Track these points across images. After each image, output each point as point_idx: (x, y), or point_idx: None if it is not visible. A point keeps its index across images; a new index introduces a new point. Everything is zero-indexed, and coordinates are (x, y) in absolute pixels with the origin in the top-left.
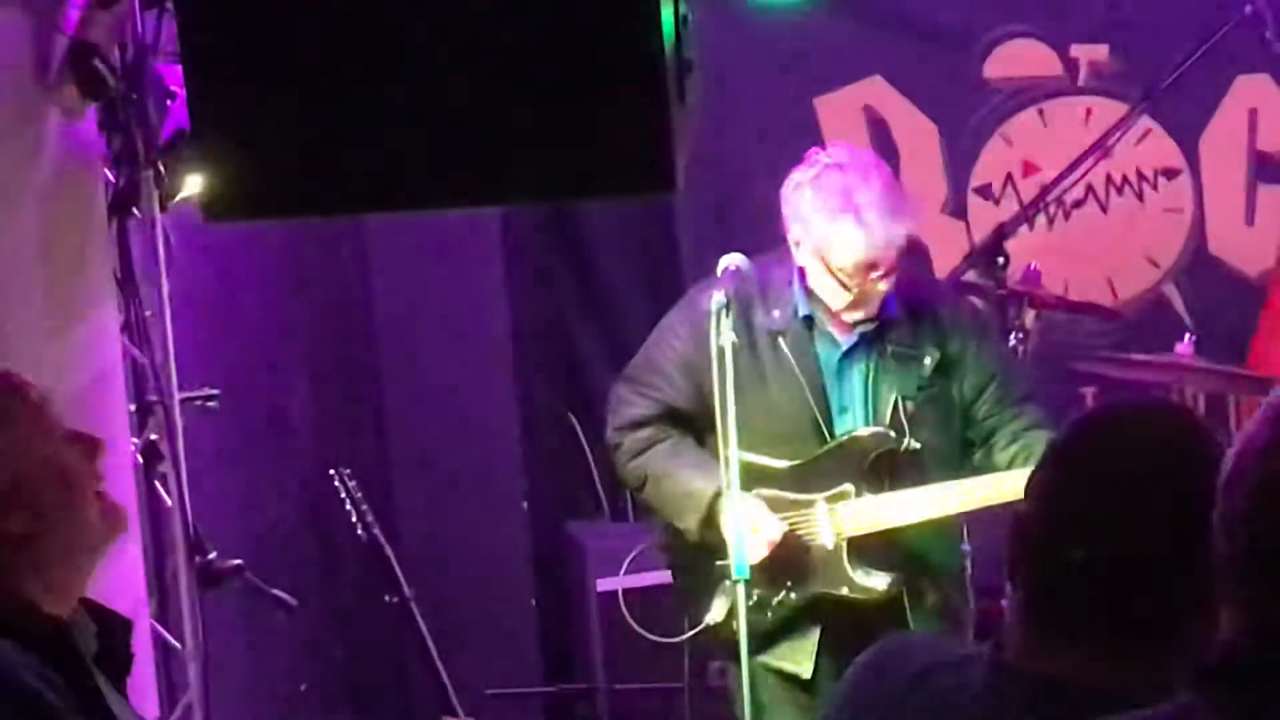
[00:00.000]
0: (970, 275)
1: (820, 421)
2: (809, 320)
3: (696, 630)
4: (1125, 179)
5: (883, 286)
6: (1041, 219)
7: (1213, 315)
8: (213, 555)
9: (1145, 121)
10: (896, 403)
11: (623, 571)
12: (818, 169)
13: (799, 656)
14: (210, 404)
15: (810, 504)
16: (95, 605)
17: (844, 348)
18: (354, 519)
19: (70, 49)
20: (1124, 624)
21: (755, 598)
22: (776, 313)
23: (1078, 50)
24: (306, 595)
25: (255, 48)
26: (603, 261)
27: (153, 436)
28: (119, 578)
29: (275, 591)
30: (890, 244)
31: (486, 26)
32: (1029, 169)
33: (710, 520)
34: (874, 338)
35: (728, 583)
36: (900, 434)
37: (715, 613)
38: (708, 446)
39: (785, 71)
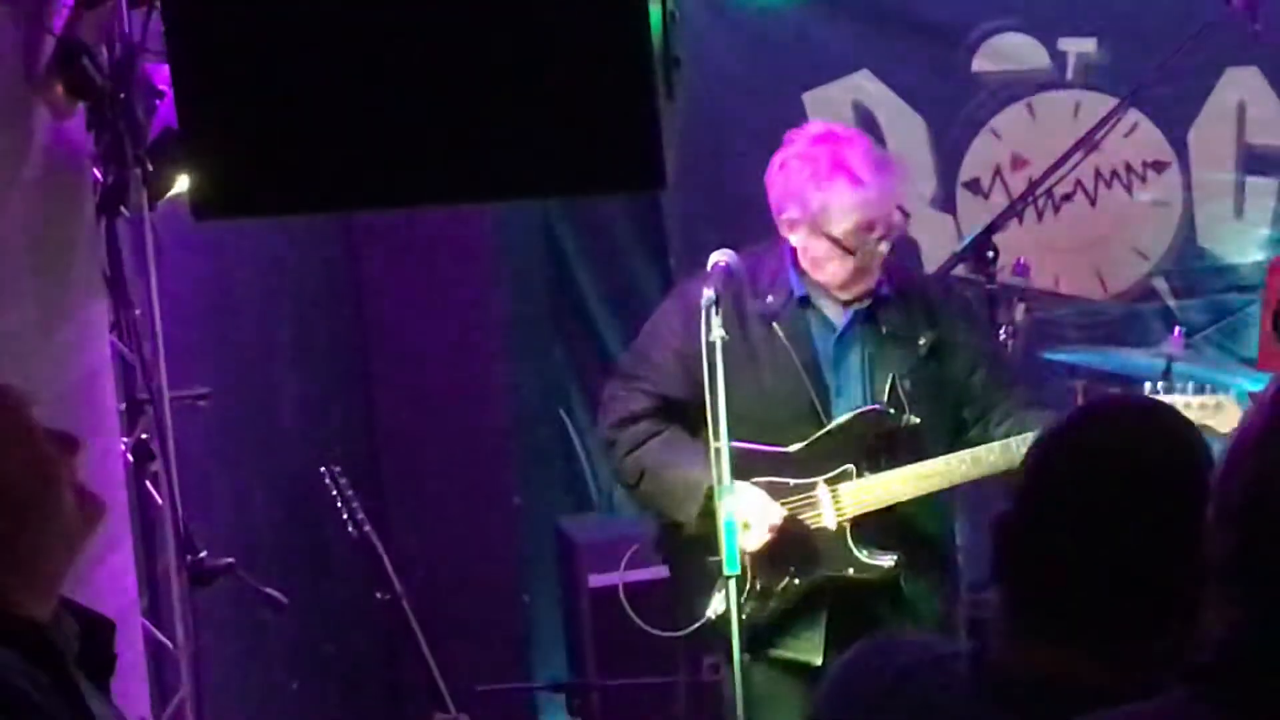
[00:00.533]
0: (960, 270)
1: (816, 404)
2: (804, 301)
3: (698, 625)
4: (1114, 172)
5: (882, 250)
6: (1031, 213)
7: (1202, 308)
8: (203, 554)
9: (1134, 115)
10: (894, 381)
11: (622, 567)
12: (800, 144)
13: (809, 645)
14: (200, 402)
15: (811, 487)
16: (78, 606)
17: (839, 330)
18: (345, 516)
19: (58, 48)
20: (1110, 623)
21: (759, 587)
22: (770, 298)
23: (1066, 44)
24: (297, 593)
25: (242, 46)
26: (593, 258)
27: (143, 435)
28: (110, 576)
29: (266, 590)
30: (885, 199)
31: (475, 23)
32: (1018, 163)
33: (709, 510)
34: (868, 318)
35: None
36: (899, 411)
37: (714, 607)
38: (701, 438)
39: (774, 66)
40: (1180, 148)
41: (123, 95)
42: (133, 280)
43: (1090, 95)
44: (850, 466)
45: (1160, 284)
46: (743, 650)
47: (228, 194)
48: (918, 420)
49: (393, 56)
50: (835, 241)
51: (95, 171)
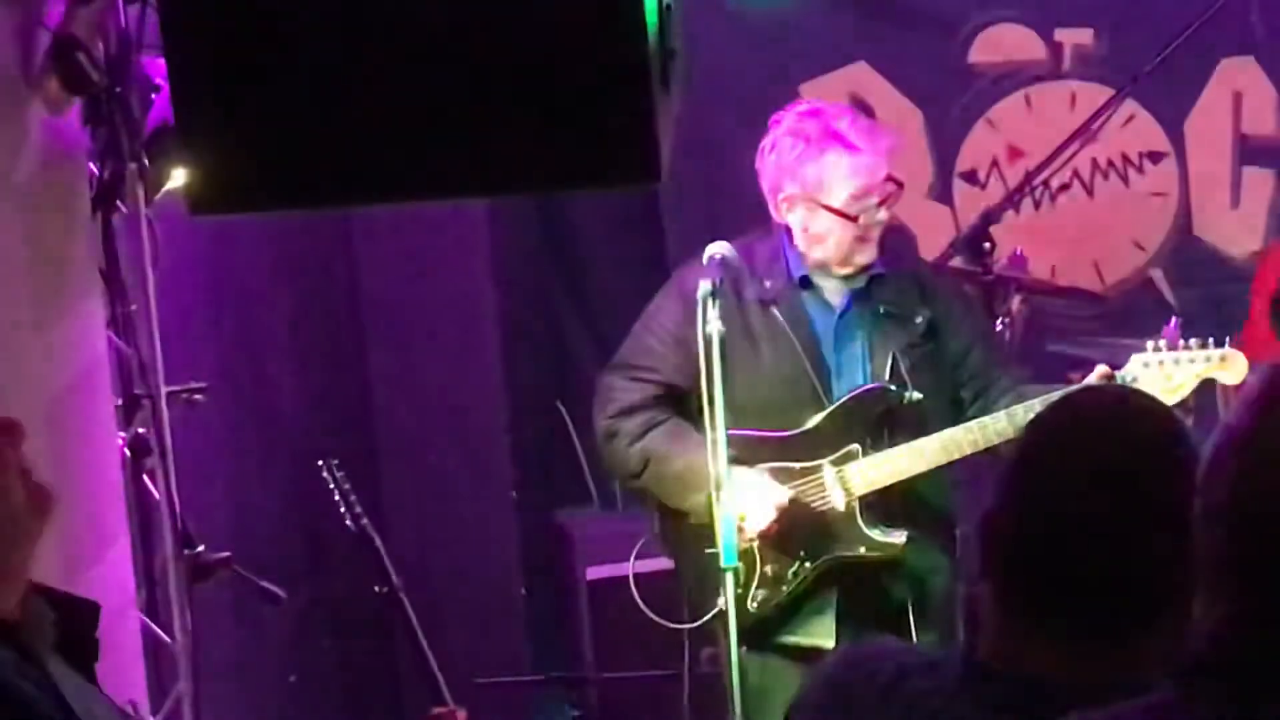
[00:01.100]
0: (956, 261)
1: (817, 385)
2: (804, 281)
3: (710, 615)
4: (1111, 163)
5: (882, 215)
6: (1027, 204)
7: (1198, 298)
8: (201, 548)
9: (1130, 105)
10: (894, 359)
11: (632, 559)
12: (787, 122)
13: (820, 629)
14: (197, 397)
15: (817, 469)
16: (55, 592)
17: (837, 309)
18: (343, 510)
19: (53, 44)
20: (1098, 619)
21: (770, 573)
22: (768, 283)
23: (1062, 35)
24: (295, 587)
25: (238, 40)
26: (589, 250)
27: (140, 430)
28: (108, 571)
29: (263, 584)
30: (880, 164)
31: (470, 17)
32: (1014, 154)
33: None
34: (865, 297)
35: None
36: (901, 388)
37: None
38: (702, 426)
39: (771, 58)
40: (1177, 138)
41: (118, 90)
42: (129, 276)
43: (1087, 86)
44: (855, 446)
45: (1157, 275)
46: (750, 641)
47: (224, 189)
48: (919, 396)
49: (388, 51)
50: (836, 212)
51: (91, 167)
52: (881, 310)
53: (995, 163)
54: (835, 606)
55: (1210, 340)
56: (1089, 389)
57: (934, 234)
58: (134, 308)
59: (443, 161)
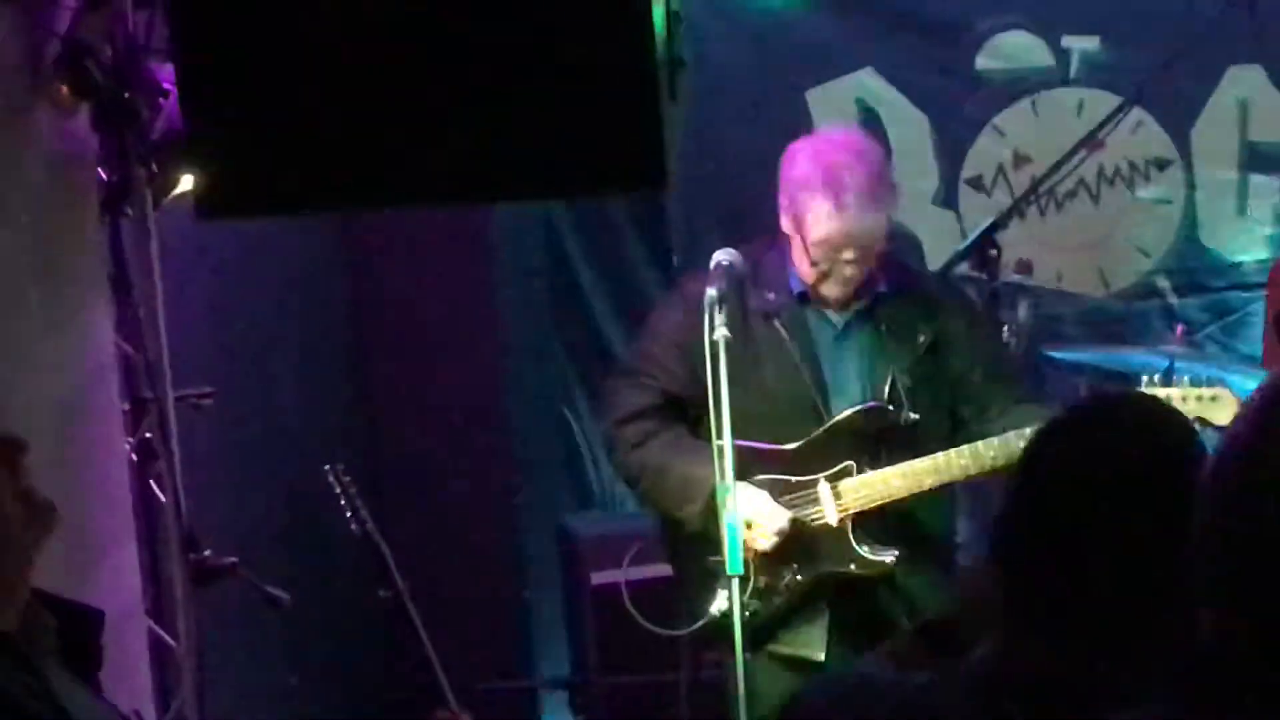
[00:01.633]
0: (962, 268)
1: (816, 401)
2: (803, 297)
3: (703, 622)
4: (1117, 170)
5: (849, 271)
6: (1034, 210)
7: (1204, 306)
8: (207, 552)
9: (1137, 113)
10: (893, 378)
11: (625, 565)
12: (815, 143)
13: (811, 641)
14: (204, 401)
15: (812, 485)
16: (58, 600)
17: (839, 326)
18: (348, 514)
19: (62, 49)
20: (1103, 621)
21: (761, 584)
22: (770, 295)
23: (1069, 41)
24: (300, 590)
25: (246, 45)
26: (595, 254)
27: (147, 434)
28: (114, 575)
29: (268, 588)
30: (864, 231)
31: (478, 25)
32: (1021, 161)
33: (711, 510)
34: (867, 315)
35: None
36: (899, 408)
37: (719, 604)
38: (702, 435)
39: (777, 63)
40: (1183, 146)
41: (127, 95)
42: (137, 280)
43: (1093, 93)
44: (850, 463)
45: (1162, 282)
46: (745, 648)
47: (232, 193)
48: (916, 417)
49: (396, 57)
50: (804, 248)
51: (100, 171)
52: (883, 328)
53: (1001, 169)
54: (827, 619)
55: (1205, 379)
56: (1098, 394)
57: (940, 240)
58: (141, 312)
59: (450, 167)
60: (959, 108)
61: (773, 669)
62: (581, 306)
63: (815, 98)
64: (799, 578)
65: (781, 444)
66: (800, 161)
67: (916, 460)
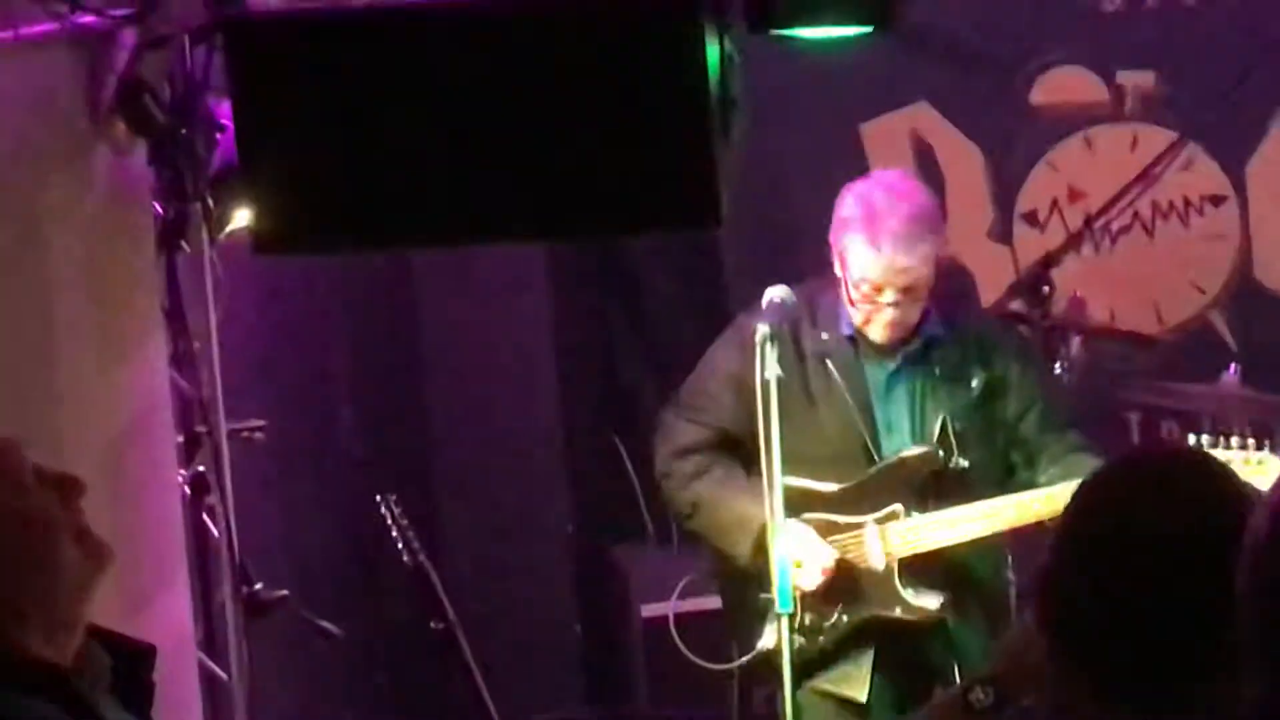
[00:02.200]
0: (1015, 305)
1: (868, 442)
2: (854, 339)
3: (749, 658)
4: (1171, 205)
5: (891, 313)
6: (1087, 246)
7: (1259, 343)
8: (259, 585)
9: (1192, 148)
10: (945, 422)
11: (674, 598)
12: (866, 184)
13: (854, 681)
14: (257, 434)
15: (859, 526)
16: (111, 635)
17: (891, 368)
18: (400, 545)
19: (120, 87)
20: (1148, 679)
21: (807, 622)
22: (825, 335)
23: (1124, 77)
24: (352, 622)
25: (302, 83)
26: (647, 286)
27: (200, 468)
28: (166, 609)
29: (319, 621)
30: (898, 271)
31: (534, 66)
32: (1075, 195)
33: (761, 547)
34: (920, 357)
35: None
36: (949, 453)
37: (766, 640)
38: (755, 472)
39: (831, 97)
40: (1238, 182)
41: (184, 131)
42: (191, 314)
43: (1148, 128)
44: (898, 506)
45: (1216, 318)
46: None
47: (287, 229)
48: (966, 463)
49: (453, 97)
50: (848, 285)
51: (156, 206)
52: (936, 371)
53: (1056, 204)
54: (871, 661)
55: (1250, 441)
56: (1146, 448)
57: (993, 275)
58: (196, 345)
59: (506, 205)
60: (1013, 143)
61: (821, 706)
62: (634, 338)
63: (869, 131)
64: (844, 618)
65: (831, 485)
66: (847, 202)
67: (964, 507)
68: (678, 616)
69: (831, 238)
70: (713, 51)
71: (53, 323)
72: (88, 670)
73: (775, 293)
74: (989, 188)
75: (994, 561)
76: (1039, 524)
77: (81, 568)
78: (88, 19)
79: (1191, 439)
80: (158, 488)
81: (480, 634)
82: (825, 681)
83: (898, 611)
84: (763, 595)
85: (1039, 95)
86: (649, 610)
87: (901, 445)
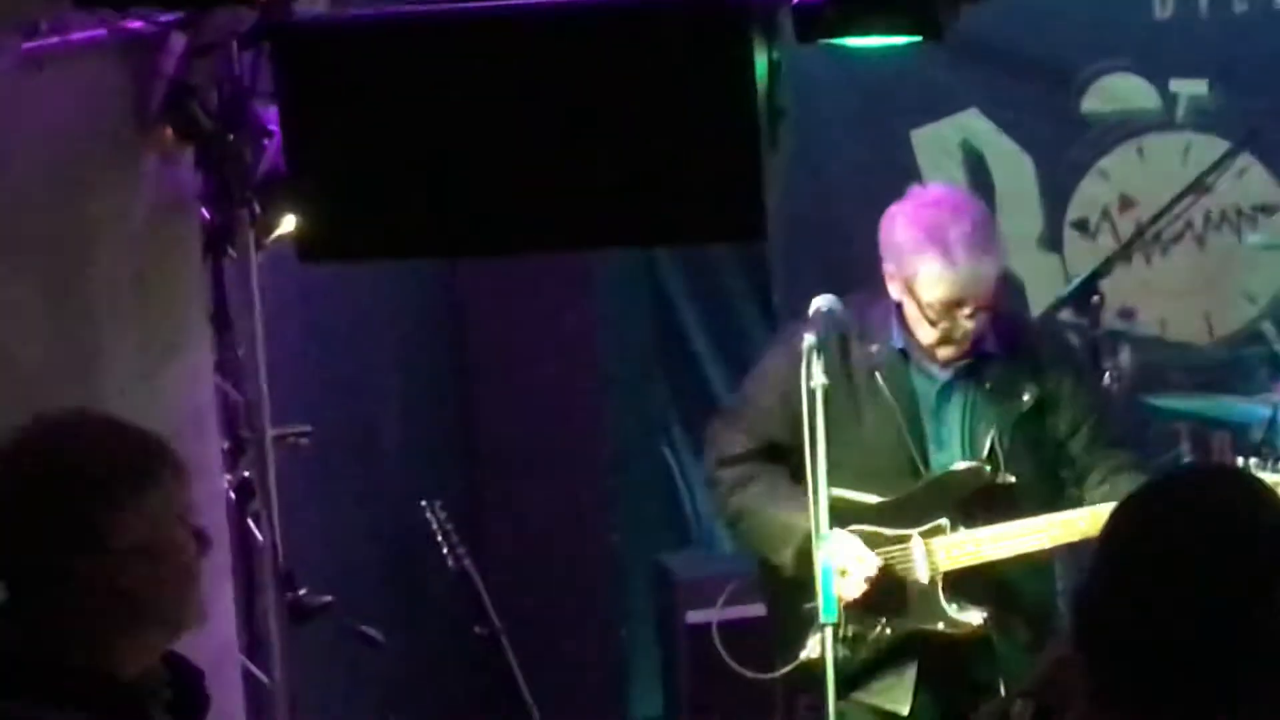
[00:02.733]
0: (1065, 314)
1: (915, 456)
2: (904, 353)
3: (791, 667)
4: (1224, 215)
5: (969, 325)
6: (1139, 255)
7: None
8: (303, 591)
9: (1244, 157)
10: (994, 437)
11: (719, 605)
12: (912, 204)
13: (896, 694)
14: (302, 440)
15: (905, 539)
16: (168, 652)
17: (940, 382)
18: (444, 551)
19: (168, 93)
20: (1188, 701)
21: (851, 634)
22: (874, 347)
23: (1177, 85)
24: (395, 628)
25: (350, 89)
26: (696, 294)
27: (245, 473)
28: (211, 614)
29: (363, 628)
30: (977, 281)
31: (582, 74)
32: (1126, 204)
33: (805, 556)
34: (971, 372)
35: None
36: (996, 469)
37: (810, 649)
38: (802, 482)
39: (881, 104)
40: None
41: (231, 137)
42: (237, 319)
43: (1200, 137)
44: (945, 520)
45: (1268, 328)
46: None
47: (333, 236)
48: (1014, 479)
49: (499, 105)
50: (920, 310)
51: (203, 211)
52: (988, 386)
53: (1106, 212)
54: (914, 674)
55: None
56: (1187, 467)
57: (1043, 283)
58: (241, 351)
59: (551, 214)
60: (1064, 150)
61: (860, 714)
62: (683, 346)
63: (920, 139)
64: (888, 631)
65: (877, 497)
66: (901, 225)
67: (1010, 523)
68: (723, 624)
69: (890, 265)
70: (761, 61)
71: (99, 328)
72: (146, 685)
73: (823, 302)
74: (1039, 195)
75: (1041, 577)
76: (1087, 540)
77: (195, 609)
78: (136, 25)
79: (1240, 461)
80: (203, 493)
81: (524, 640)
82: (868, 694)
83: (941, 626)
84: (807, 605)
85: (1091, 103)
86: (694, 617)
87: (950, 460)
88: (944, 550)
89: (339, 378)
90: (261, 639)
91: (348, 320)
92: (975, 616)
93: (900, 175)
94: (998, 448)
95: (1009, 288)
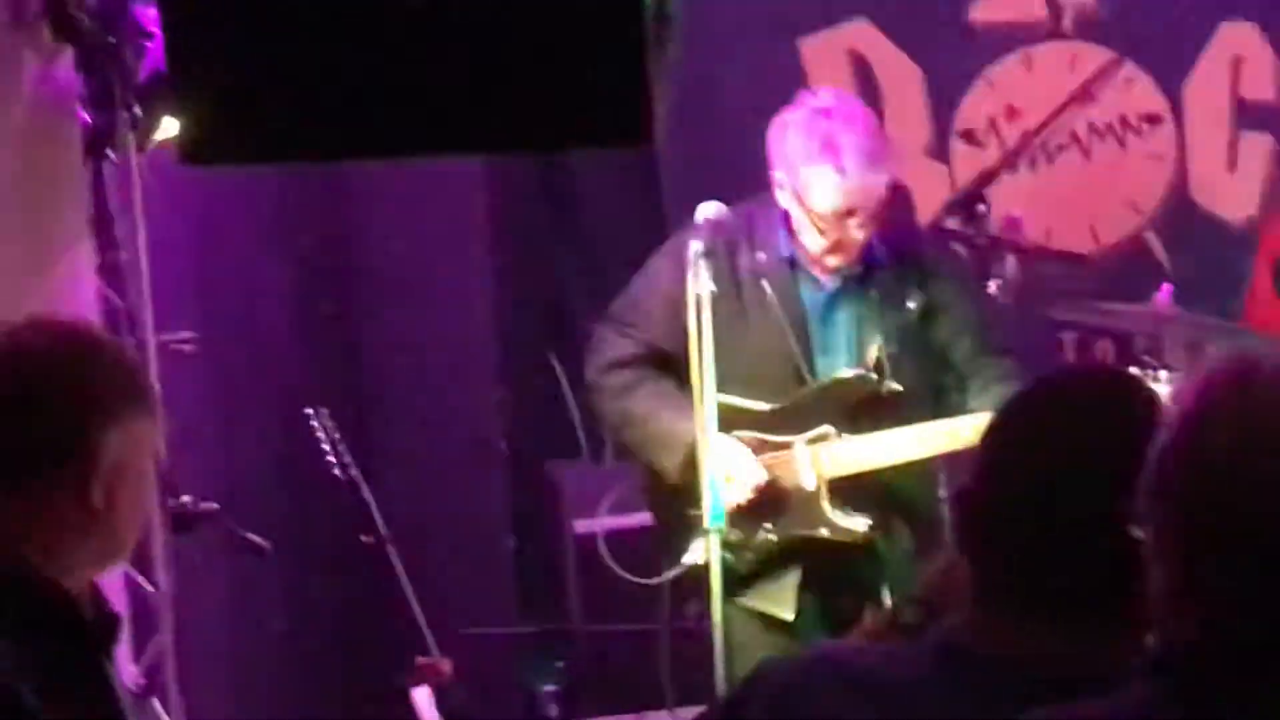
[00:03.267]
0: (951, 223)
1: (801, 364)
2: (792, 262)
3: (675, 573)
4: (1109, 125)
5: (859, 234)
6: (1024, 165)
7: (1193, 262)
8: (186, 499)
9: (1129, 68)
10: (880, 346)
11: (602, 513)
12: (803, 112)
13: (780, 599)
14: (186, 347)
15: (789, 446)
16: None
17: (828, 290)
18: (331, 459)
19: None
20: (1068, 596)
21: (735, 539)
22: (761, 255)
23: None
24: (283, 537)
25: None
26: (585, 203)
27: None
28: None
29: (249, 535)
30: (868, 192)
31: None
32: (1012, 114)
33: (690, 463)
34: (859, 281)
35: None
36: (882, 376)
37: (693, 555)
38: (686, 389)
39: (771, 13)
40: (1175, 102)
41: (111, 38)
42: (119, 224)
43: (1087, 47)
44: (830, 428)
45: (1152, 238)
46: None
47: (216, 140)
48: (899, 387)
49: (387, 7)
50: (811, 219)
51: (83, 114)
52: (874, 295)
53: (993, 122)
54: (798, 580)
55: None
56: (1064, 370)
57: (930, 192)
58: (123, 256)
59: (439, 118)
60: (952, 60)
61: (749, 623)
62: (571, 253)
63: (809, 48)
64: (771, 537)
65: (763, 404)
66: (792, 134)
67: (894, 430)
68: (610, 532)
69: (779, 173)
70: None
71: None
72: (101, 623)
73: (710, 209)
74: (926, 105)
75: (925, 483)
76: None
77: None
78: None
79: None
80: None
81: (412, 549)
82: (752, 599)
83: (825, 532)
84: (692, 511)
85: (978, 13)
86: (581, 526)
87: (837, 368)
88: (829, 457)
89: (225, 286)
90: (145, 546)
91: (233, 226)
92: (859, 523)
93: (789, 85)
94: (884, 356)
95: (897, 197)
